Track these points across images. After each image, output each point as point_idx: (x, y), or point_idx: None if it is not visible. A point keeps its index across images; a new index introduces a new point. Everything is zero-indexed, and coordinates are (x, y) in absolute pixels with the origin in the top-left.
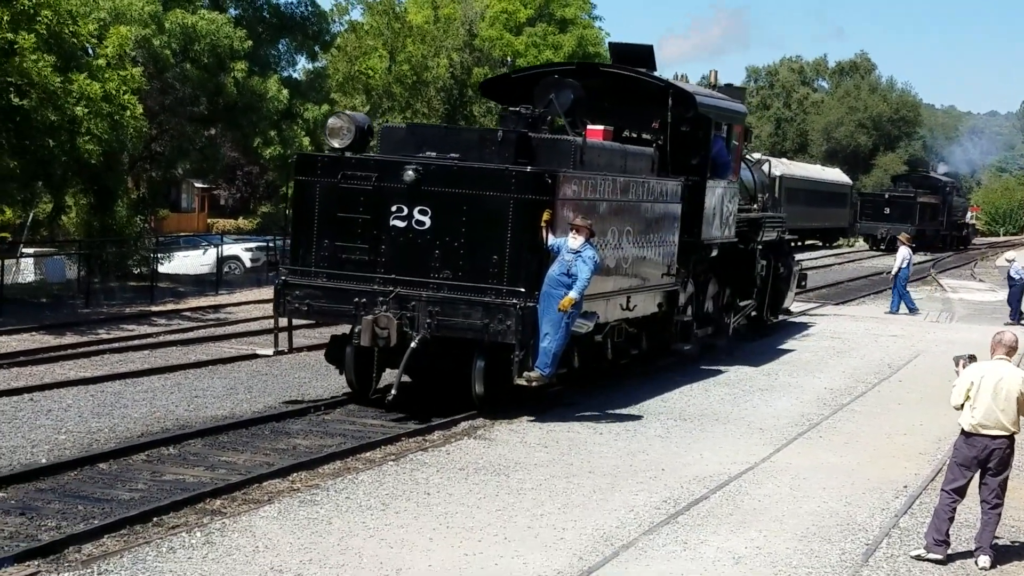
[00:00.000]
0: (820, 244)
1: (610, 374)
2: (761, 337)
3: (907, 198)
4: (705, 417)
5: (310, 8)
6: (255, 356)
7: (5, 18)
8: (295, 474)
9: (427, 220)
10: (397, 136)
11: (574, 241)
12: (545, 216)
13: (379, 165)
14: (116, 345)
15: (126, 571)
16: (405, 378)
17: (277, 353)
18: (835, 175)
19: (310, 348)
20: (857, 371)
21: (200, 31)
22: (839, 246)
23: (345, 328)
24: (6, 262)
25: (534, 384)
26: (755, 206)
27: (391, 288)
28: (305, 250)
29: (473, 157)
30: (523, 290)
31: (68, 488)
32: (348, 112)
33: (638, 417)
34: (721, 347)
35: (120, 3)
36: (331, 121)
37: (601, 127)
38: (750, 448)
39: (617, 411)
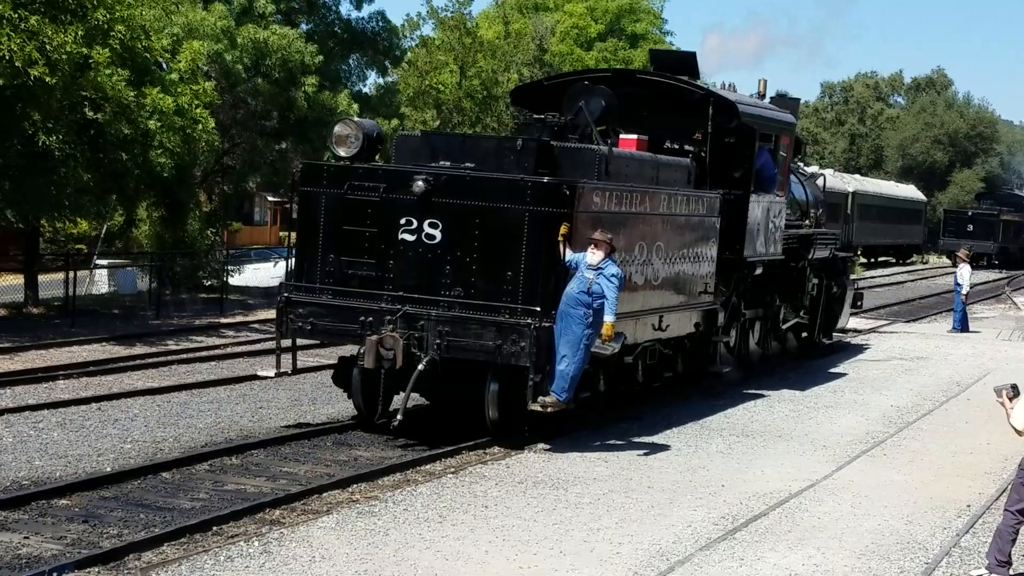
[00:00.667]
0: (893, 261)
1: (673, 391)
2: (820, 356)
3: (990, 215)
4: (768, 433)
5: (381, 23)
6: (256, 378)
7: (80, 33)
8: (355, 485)
9: (438, 234)
10: (412, 145)
11: (593, 256)
12: (563, 230)
13: (387, 175)
14: (184, 356)
15: None
16: (418, 400)
17: (279, 375)
18: (909, 191)
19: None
20: (925, 389)
21: (272, 46)
22: (912, 263)
23: (353, 348)
24: (80, 274)
25: (549, 411)
26: (807, 222)
27: (399, 306)
28: (310, 265)
29: (491, 167)
30: (539, 309)
31: (131, 496)
32: (355, 119)
33: (701, 433)
34: (766, 368)
35: (193, 18)
36: (337, 128)
37: (635, 136)
38: (812, 465)
39: (679, 427)
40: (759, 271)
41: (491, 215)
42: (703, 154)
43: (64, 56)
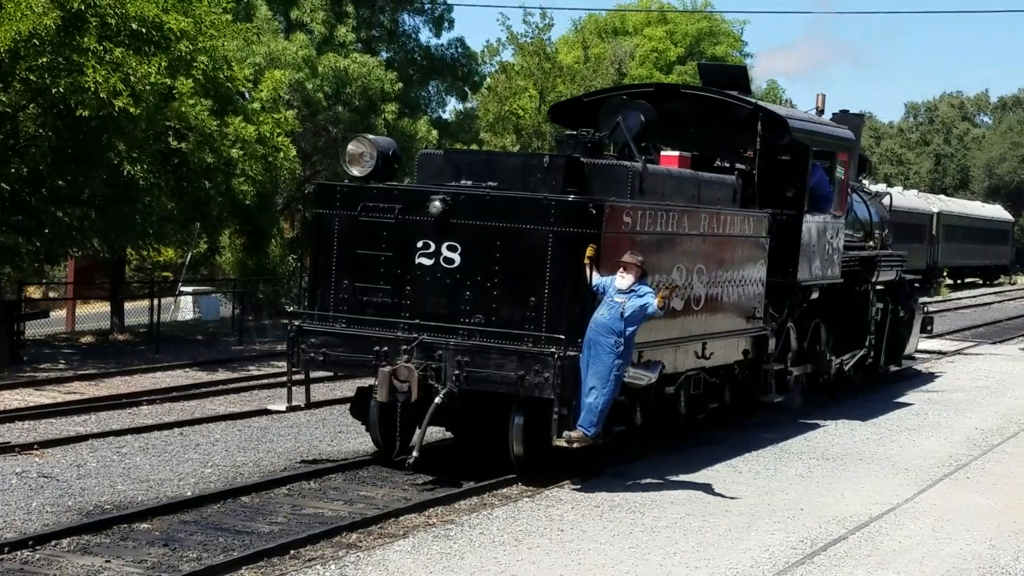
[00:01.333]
0: (980, 282)
1: (750, 412)
2: (895, 381)
3: None
4: (849, 456)
5: (460, 50)
6: (266, 412)
7: (163, 64)
8: (431, 509)
9: (457, 257)
10: (435, 165)
11: (623, 280)
12: (589, 252)
13: (403, 195)
14: (265, 381)
15: None
16: (440, 432)
17: (291, 409)
18: (996, 212)
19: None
20: (1011, 411)
21: (352, 74)
22: (1000, 284)
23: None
24: (164, 301)
25: (575, 446)
26: (870, 243)
27: (415, 335)
28: (323, 292)
29: (517, 186)
30: (563, 337)
31: (211, 520)
32: (369, 136)
33: (780, 456)
34: (830, 393)
35: (275, 48)
36: (350, 147)
37: (676, 153)
38: (894, 488)
39: (758, 450)
40: (815, 295)
41: (513, 237)
42: (753, 172)
43: (148, 87)
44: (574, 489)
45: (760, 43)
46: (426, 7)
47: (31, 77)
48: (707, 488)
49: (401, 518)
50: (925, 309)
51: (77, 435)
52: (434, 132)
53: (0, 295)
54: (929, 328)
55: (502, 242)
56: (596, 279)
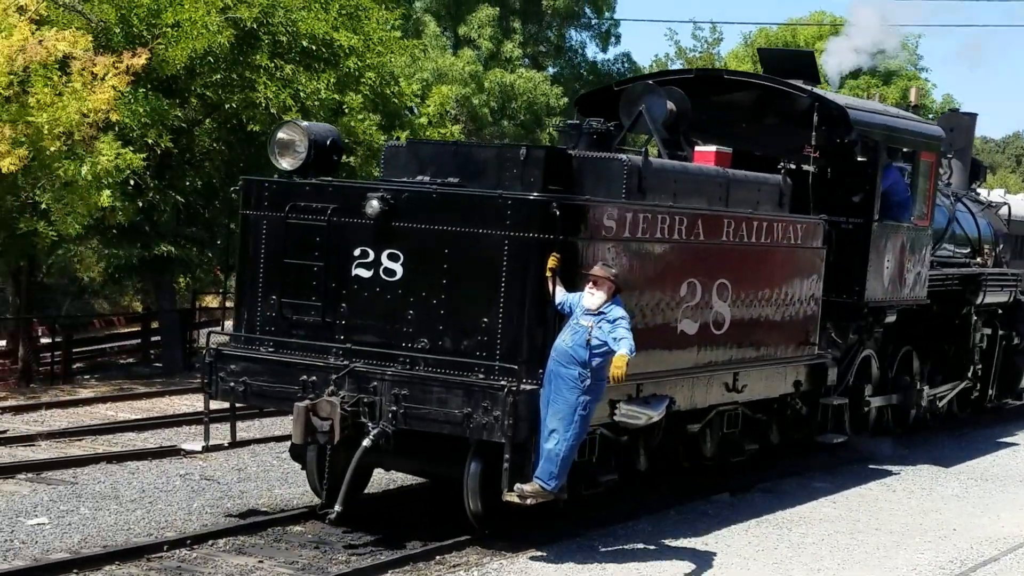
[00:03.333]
0: None
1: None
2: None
3: None
4: (1010, 478)
5: (627, 65)
6: (180, 452)
7: (332, 80)
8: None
9: (399, 268)
10: (400, 160)
11: (591, 299)
12: (551, 262)
13: (338, 193)
14: None
15: None
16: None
17: (207, 449)
18: None
19: None
20: None
21: (518, 89)
22: None
23: None
24: None
25: (529, 502)
26: (978, 260)
27: (348, 362)
28: (249, 309)
29: (489, 182)
30: (516, 367)
31: (358, 524)
32: (303, 122)
33: (937, 476)
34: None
35: (442, 64)
36: (279, 134)
37: (713, 148)
38: None
39: (914, 467)
40: (890, 318)
41: (463, 243)
42: (808, 172)
43: (317, 102)
44: (539, 559)
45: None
46: (593, 23)
47: (206, 93)
48: (857, 506)
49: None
50: None
51: (240, 440)
52: None
53: (175, 304)
54: None
55: (450, 250)
56: (560, 296)
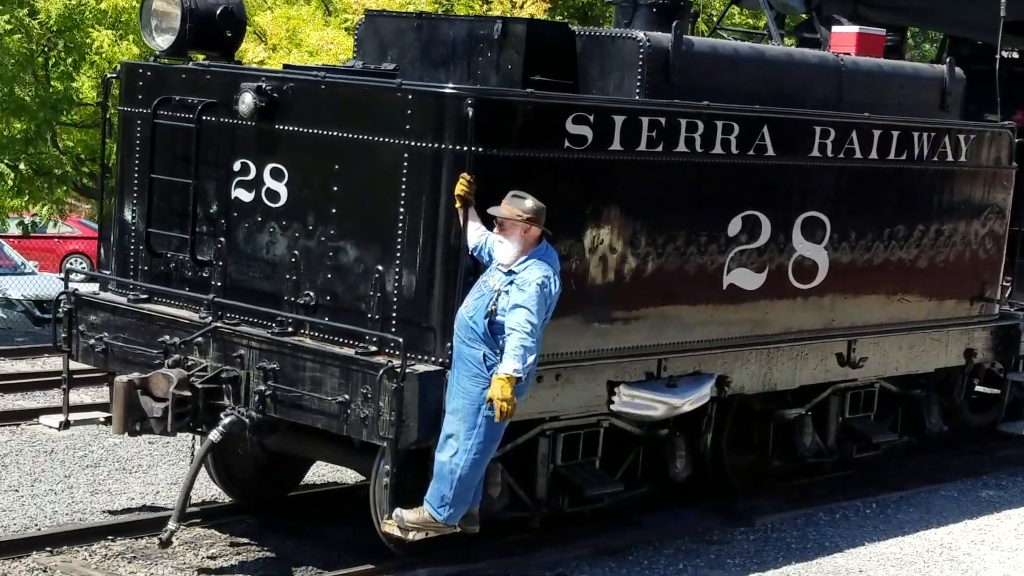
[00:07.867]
0: None
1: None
2: None
3: None
4: None
5: None
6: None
7: None
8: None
9: (283, 190)
10: (369, 38)
11: (501, 250)
12: (459, 187)
13: (216, 83)
14: None
15: None
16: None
17: (64, 425)
18: None
19: None
20: None
21: None
22: None
23: None
24: None
25: (411, 536)
26: None
27: (211, 319)
28: (118, 242)
29: (458, 72)
30: (412, 338)
31: None
32: None
33: None
34: None
35: None
36: (152, 2)
37: (855, 29)
38: None
39: None
40: None
41: (357, 156)
42: (993, 67)
43: None
44: (747, 542)
45: None
46: None
47: None
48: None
49: None
50: None
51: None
52: None
53: None
54: None
55: (341, 165)
56: (475, 237)
